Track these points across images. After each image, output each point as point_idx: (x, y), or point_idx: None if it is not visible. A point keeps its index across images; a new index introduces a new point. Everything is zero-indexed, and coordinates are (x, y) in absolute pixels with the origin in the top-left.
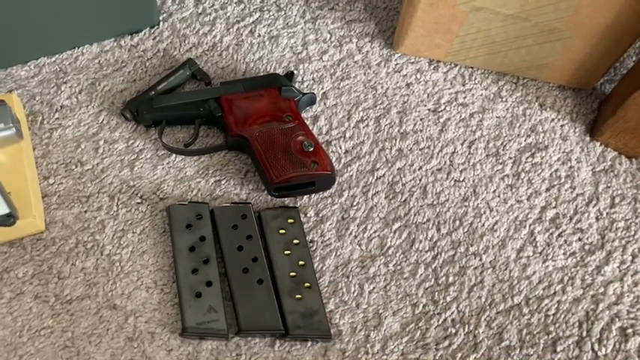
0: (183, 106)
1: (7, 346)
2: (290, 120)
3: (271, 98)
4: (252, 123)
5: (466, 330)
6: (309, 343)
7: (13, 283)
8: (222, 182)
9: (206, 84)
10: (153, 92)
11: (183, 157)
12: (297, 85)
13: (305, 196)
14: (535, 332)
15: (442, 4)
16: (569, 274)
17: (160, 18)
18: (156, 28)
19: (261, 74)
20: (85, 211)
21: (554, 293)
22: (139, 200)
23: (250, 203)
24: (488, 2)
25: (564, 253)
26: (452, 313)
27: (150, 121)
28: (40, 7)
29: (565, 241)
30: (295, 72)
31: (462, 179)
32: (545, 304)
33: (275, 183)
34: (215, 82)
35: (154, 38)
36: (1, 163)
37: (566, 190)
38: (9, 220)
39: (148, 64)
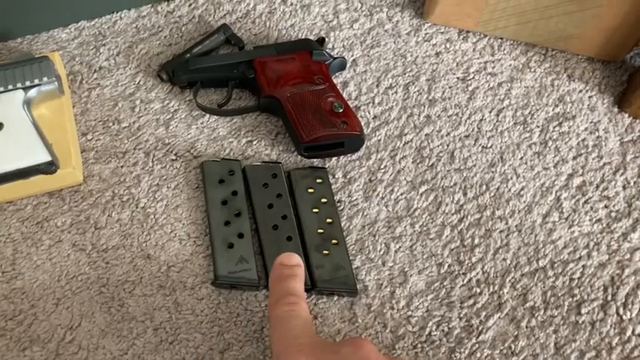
0: (217, 68)
1: (46, 290)
2: (321, 82)
3: (303, 61)
4: (283, 84)
5: (491, 290)
6: (336, 297)
7: (52, 232)
8: (254, 143)
9: (239, 48)
10: (188, 55)
11: (216, 117)
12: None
13: (333, 158)
14: (560, 294)
15: None
16: (595, 240)
17: None
18: None
19: (293, 39)
20: (122, 166)
21: (580, 258)
22: (174, 157)
23: (281, 163)
24: None
25: (590, 220)
26: (477, 274)
27: (185, 82)
28: None
29: (591, 208)
30: (326, 39)
31: (489, 146)
32: (571, 268)
33: (305, 142)
34: (248, 47)
35: (190, 5)
36: (43, 116)
37: (593, 159)
38: (50, 167)
39: (183, 29)
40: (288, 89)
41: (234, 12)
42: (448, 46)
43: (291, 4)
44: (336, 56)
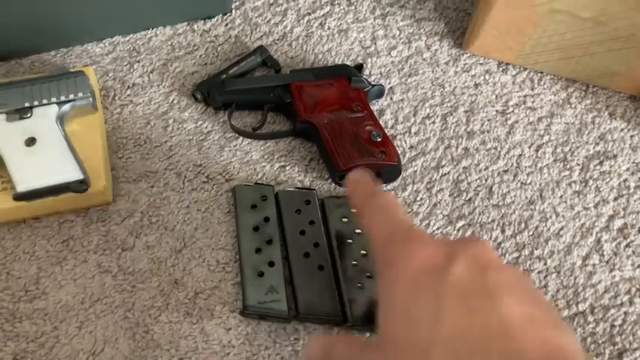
0: (253, 90)
1: (69, 312)
2: (359, 110)
3: (341, 87)
4: (321, 110)
5: None
6: (368, 334)
7: (77, 251)
8: (287, 168)
9: (276, 71)
10: (224, 76)
11: (250, 140)
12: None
13: None
14: (600, 342)
15: (519, 4)
16: (637, 286)
17: (233, 6)
18: (228, 15)
19: (331, 64)
20: (152, 187)
21: (621, 304)
22: (205, 179)
23: (314, 190)
24: (567, 4)
25: (632, 264)
26: None
27: (220, 103)
28: None
29: (633, 252)
30: (364, 65)
31: (528, 182)
32: (612, 314)
33: (341, 170)
34: (284, 71)
35: (226, 25)
36: (76, 132)
37: (635, 201)
38: (82, 186)
39: (219, 49)
40: (326, 115)
41: (270, 34)
42: (487, 77)
43: (329, 28)
44: (374, 83)
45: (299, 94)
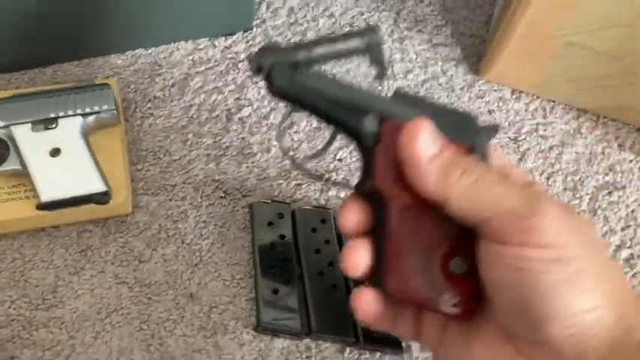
0: (332, 101)
1: (85, 321)
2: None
3: None
4: (408, 187)
5: None
6: (378, 355)
7: (95, 261)
8: (303, 186)
9: (377, 75)
10: (303, 54)
11: (267, 157)
12: None
13: None
14: None
15: (537, 35)
16: None
17: (254, 23)
18: (249, 32)
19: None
20: (170, 200)
21: None
22: (222, 194)
23: (331, 209)
24: (584, 38)
25: (639, 294)
26: None
27: (279, 93)
28: (144, 1)
29: (639, 283)
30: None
31: None
32: None
33: (390, 291)
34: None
35: (247, 42)
36: (98, 144)
37: None
38: (104, 198)
39: (240, 65)
40: (407, 198)
41: None
42: (501, 104)
43: None
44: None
45: (389, 143)
